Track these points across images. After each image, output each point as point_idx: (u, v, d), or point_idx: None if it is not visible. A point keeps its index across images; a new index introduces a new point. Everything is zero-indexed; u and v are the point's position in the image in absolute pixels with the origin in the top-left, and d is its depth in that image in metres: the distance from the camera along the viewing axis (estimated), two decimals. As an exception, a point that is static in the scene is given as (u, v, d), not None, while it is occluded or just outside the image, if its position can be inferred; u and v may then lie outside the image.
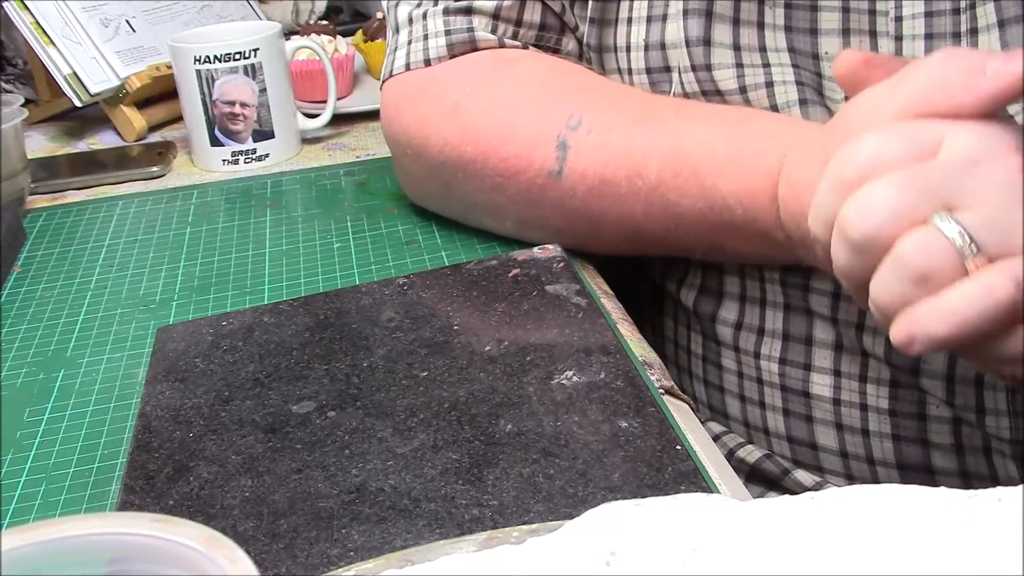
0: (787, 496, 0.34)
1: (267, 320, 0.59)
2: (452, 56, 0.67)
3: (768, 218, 0.53)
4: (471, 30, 0.67)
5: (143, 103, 1.02)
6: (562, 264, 0.62)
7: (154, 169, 0.91)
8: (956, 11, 0.54)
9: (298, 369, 0.54)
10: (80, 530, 0.27)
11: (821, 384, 0.61)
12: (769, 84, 0.59)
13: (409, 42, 0.69)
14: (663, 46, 0.62)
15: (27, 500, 0.49)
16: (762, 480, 0.65)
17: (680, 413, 0.51)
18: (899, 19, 0.55)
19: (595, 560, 0.32)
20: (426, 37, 0.68)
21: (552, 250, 0.63)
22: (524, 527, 0.38)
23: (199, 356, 0.56)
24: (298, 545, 0.42)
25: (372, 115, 0.96)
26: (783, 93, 0.58)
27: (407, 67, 0.69)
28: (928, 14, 0.55)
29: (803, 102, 0.58)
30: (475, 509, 0.43)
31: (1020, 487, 0.32)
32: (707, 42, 0.60)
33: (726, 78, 0.60)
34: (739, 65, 0.59)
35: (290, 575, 0.40)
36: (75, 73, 0.96)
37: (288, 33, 0.97)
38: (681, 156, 0.56)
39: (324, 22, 1.17)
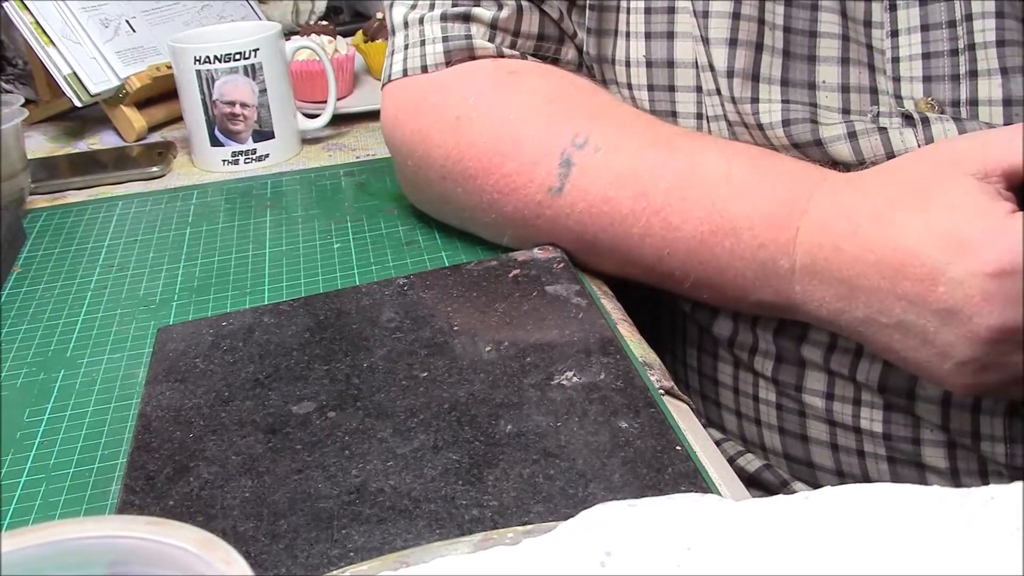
0: (782, 496, 0.34)
1: (267, 320, 0.59)
2: (449, 63, 0.66)
3: (776, 245, 0.52)
4: (469, 38, 0.65)
5: (143, 103, 1.02)
6: (562, 264, 0.62)
7: (154, 169, 0.91)
8: (954, 52, 0.54)
9: (298, 370, 0.54)
10: (78, 533, 0.28)
11: (814, 406, 0.61)
12: (759, 126, 0.58)
13: (406, 47, 0.68)
14: (671, 64, 0.61)
15: (27, 500, 0.49)
16: (761, 488, 0.64)
17: (680, 414, 0.51)
18: (896, 60, 0.55)
19: (590, 560, 0.32)
20: (423, 43, 0.67)
21: (552, 251, 0.63)
22: (519, 528, 0.39)
23: (199, 356, 0.56)
24: (298, 546, 0.42)
25: (372, 115, 0.96)
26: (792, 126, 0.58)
27: (404, 73, 0.68)
28: (925, 56, 0.54)
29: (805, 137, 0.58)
30: (475, 510, 0.43)
31: (1013, 484, 0.33)
32: (711, 68, 0.59)
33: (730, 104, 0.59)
34: (733, 100, 0.59)
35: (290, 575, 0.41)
36: (75, 73, 0.96)
37: (288, 33, 0.97)
38: (694, 178, 0.55)
39: (324, 22, 1.17)
